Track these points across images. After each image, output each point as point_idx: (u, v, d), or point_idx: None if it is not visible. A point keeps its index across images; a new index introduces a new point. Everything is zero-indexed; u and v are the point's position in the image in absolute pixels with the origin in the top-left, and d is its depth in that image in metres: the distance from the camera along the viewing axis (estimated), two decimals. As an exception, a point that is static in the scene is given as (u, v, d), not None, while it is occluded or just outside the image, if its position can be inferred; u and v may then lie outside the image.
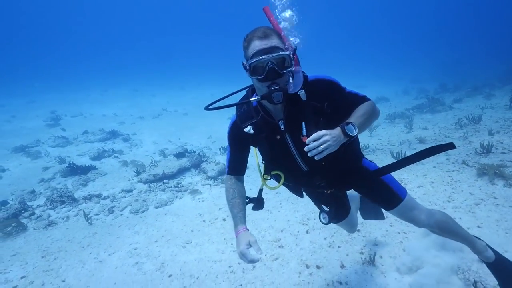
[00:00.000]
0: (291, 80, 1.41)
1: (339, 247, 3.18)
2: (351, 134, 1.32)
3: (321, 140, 1.25)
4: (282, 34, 1.44)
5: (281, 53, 1.31)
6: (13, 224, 4.26)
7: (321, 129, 1.34)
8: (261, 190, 1.82)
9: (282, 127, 1.51)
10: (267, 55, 1.30)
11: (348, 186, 1.89)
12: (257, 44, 1.33)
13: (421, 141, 6.26)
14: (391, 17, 56.94)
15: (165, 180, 5.74)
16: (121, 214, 4.66)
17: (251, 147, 1.72)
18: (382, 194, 1.79)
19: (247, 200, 1.75)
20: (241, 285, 2.81)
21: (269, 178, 1.73)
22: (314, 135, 1.26)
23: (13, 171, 7.17)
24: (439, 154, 1.57)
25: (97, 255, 3.53)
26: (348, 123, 1.34)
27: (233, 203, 1.69)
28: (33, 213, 4.75)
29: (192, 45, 64.74)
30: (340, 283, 2.70)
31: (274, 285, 2.76)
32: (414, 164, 5.24)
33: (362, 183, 1.81)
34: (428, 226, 1.80)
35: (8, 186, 6.25)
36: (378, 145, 6.76)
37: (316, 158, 1.27)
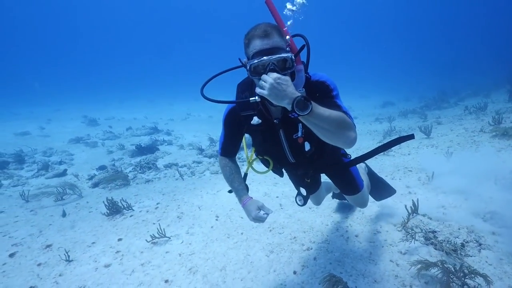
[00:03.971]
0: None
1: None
2: (303, 107, 1.18)
3: (277, 81, 1.22)
4: (285, 29, 1.41)
5: (283, 54, 1.28)
6: (120, 179, 5.14)
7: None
8: (245, 175, 1.89)
9: (277, 125, 1.57)
10: (268, 57, 1.27)
11: (323, 172, 2.15)
12: (257, 44, 1.30)
13: (439, 123, 7.41)
14: (389, 28, 60.50)
15: (226, 155, 6.69)
16: (204, 175, 5.57)
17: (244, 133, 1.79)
18: (347, 184, 2.09)
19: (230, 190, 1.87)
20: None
21: (257, 167, 1.92)
22: (274, 77, 1.23)
23: (80, 155, 8.03)
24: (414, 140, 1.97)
25: (206, 192, 4.44)
26: (309, 99, 1.20)
27: (232, 179, 1.81)
28: (127, 176, 5.63)
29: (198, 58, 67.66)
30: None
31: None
32: (439, 134, 6.32)
33: (336, 172, 2.07)
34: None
35: (85, 164, 7.10)
36: (403, 128, 7.89)
37: (258, 92, 1.28)
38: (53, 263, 2.79)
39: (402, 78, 26.20)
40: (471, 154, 4.72)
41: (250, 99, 1.39)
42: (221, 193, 4.33)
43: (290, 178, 2.29)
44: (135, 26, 70.55)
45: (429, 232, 2.62)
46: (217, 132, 10.85)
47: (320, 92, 1.47)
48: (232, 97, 1.67)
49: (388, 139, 6.58)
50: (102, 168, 6.07)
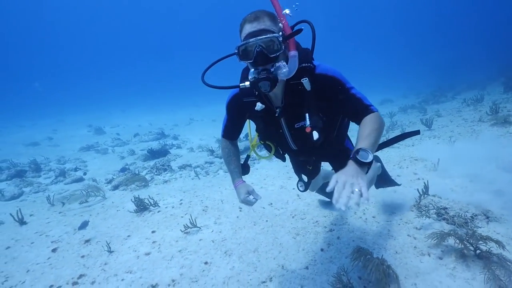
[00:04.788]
0: (283, 67, 1.33)
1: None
2: (367, 161, 1.12)
3: (348, 188, 1.03)
4: (283, 19, 1.38)
5: (268, 35, 1.27)
6: (139, 180, 5.37)
7: (323, 120, 1.42)
8: (248, 157, 1.98)
9: (277, 114, 1.55)
10: (255, 38, 1.27)
11: (326, 160, 2.18)
12: (247, 28, 1.31)
13: (439, 116, 7.70)
14: (384, 27, 61.40)
15: (237, 155, 6.94)
16: (218, 174, 5.81)
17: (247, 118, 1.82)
18: None
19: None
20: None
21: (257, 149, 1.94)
22: (338, 186, 1.04)
23: (93, 162, 8.24)
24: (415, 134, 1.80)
25: (225, 188, 4.68)
26: (358, 150, 1.15)
27: (229, 161, 1.87)
28: (145, 178, 5.86)
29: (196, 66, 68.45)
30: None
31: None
32: (440, 126, 6.62)
33: (338, 161, 2.01)
34: None
35: (99, 169, 7.32)
36: (404, 122, 8.18)
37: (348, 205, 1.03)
38: (96, 254, 3.02)
39: (398, 77, 26.65)
40: (473, 141, 5.00)
41: (240, 84, 1.44)
42: (239, 188, 4.57)
43: (292, 164, 2.36)
44: (135, 34, 71.47)
45: (441, 209, 2.87)
46: (223, 134, 11.13)
47: (333, 89, 1.46)
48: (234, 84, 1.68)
49: (391, 133, 6.87)
50: (123, 170, 6.31)
